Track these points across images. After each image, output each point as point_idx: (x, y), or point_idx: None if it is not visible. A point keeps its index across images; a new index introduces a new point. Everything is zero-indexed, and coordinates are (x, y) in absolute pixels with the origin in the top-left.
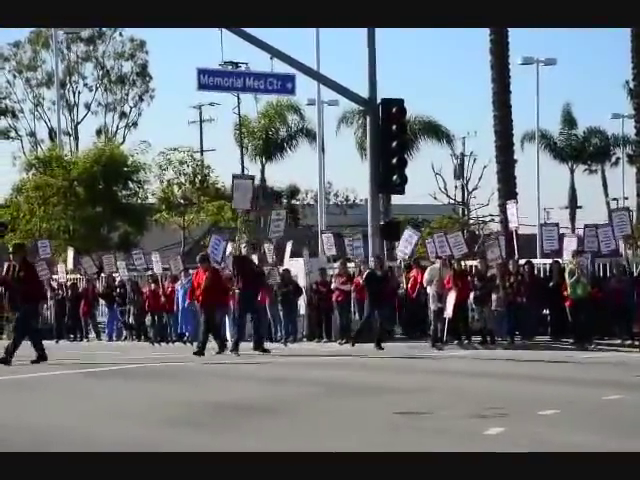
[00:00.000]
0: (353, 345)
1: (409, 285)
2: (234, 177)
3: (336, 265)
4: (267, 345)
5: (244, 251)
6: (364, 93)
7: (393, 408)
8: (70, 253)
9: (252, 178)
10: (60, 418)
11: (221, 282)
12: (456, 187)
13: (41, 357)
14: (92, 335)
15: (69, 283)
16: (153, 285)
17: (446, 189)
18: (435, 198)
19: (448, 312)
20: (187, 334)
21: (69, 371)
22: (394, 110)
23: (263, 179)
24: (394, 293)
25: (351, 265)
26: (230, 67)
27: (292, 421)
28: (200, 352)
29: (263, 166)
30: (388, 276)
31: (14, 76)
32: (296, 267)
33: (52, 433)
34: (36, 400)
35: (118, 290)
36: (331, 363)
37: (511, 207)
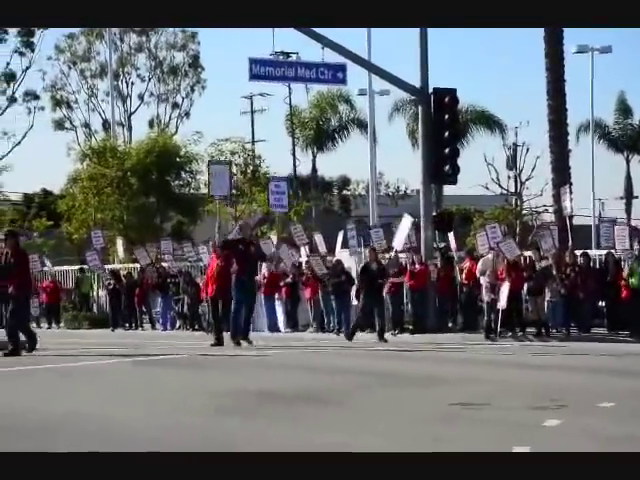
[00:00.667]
0: (350, 340)
1: (463, 276)
2: (210, 163)
3: (387, 256)
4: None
5: (240, 234)
6: (416, 82)
7: (448, 399)
8: (119, 242)
9: (228, 163)
10: (108, 407)
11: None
12: (509, 177)
13: (14, 351)
14: (147, 324)
15: (124, 272)
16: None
17: (498, 179)
18: (487, 189)
19: (502, 303)
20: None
21: (121, 360)
22: (446, 100)
23: (314, 169)
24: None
25: (403, 256)
26: (281, 57)
27: (345, 411)
28: (217, 343)
29: (314, 156)
30: (383, 269)
31: (69, 67)
32: (347, 257)
33: (101, 421)
34: (86, 389)
35: (172, 280)
36: (383, 354)
37: (564, 192)
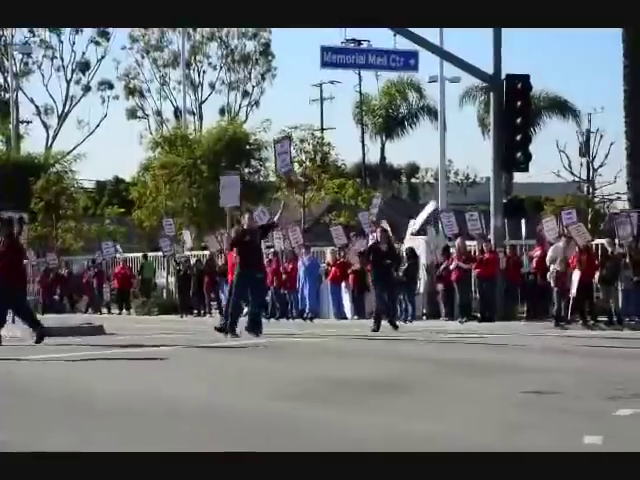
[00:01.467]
0: (377, 331)
1: (533, 264)
2: (219, 176)
3: (456, 243)
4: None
5: (247, 224)
6: (488, 69)
7: (519, 387)
8: (186, 233)
9: (239, 174)
10: (185, 389)
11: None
12: (581, 164)
13: (41, 336)
14: (216, 311)
15: (193, 260)
16: (274, 262)
17: (570, 166)
18: (559, 175)
19: (572, 291)
20: (307, 311)
21: (190, 346)
22: (519, 86)
23: (383, 157)
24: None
25: (472, 243)
26: (352, 44)
27: (422, 398)
28: (223, 329)
29: (383, 144)
30: (394, 251)
31: (142, 57)
32: (416, 245)
33: (180, 403)
34: (159, 373)
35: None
36: (451, 342)
37: None
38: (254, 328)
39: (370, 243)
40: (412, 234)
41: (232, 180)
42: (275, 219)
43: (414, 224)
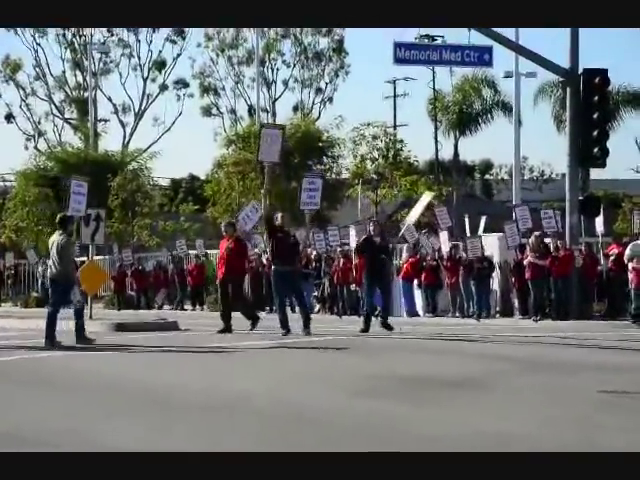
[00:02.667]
0: (367, 330)
1: (610, 262)
2: (262, 126)
3: (530, 239)
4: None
5: (280, 222)
6: (564, 63)
7: (599, 386)
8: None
9: (282, 128)
10: (249, 383)
11: (245, 255)
12: None
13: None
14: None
15: (266, 256)
16: (343, 259)
17: None
18: (637, 172)
19: None
20: (378, 307)
21: (258, 342)
22: (597, 80)
23: (456, 153)
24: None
25: (547, 240)
26: (426, 40)
27: (495, 397)
28: (224, 330)
29: (456, 140)
30: (387, 244)
31: (217, 55)
32: (490, 242)
33: (253, 400)
34: (229, 367)
35: (314, 264)
36: (526, 340)
37: None
38: (306, 325)
39: (363, 237)
40: (407, 226)
41: (274, 134)
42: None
43: (410, 217)
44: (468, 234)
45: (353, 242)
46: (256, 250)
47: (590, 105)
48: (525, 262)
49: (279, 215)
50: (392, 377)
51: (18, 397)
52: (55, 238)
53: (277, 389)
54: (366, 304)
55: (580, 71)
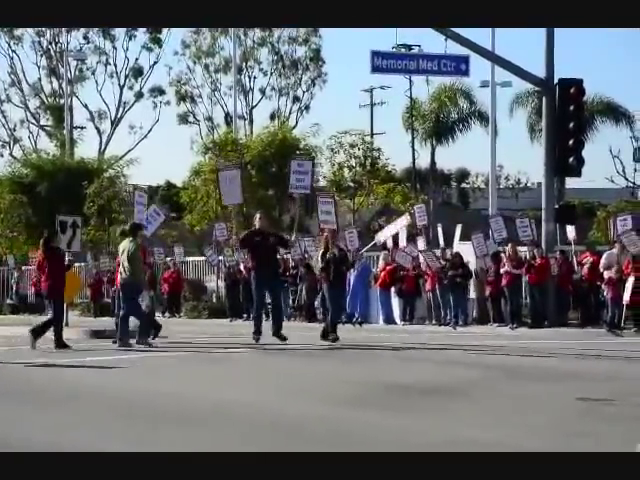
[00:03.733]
0: (330, 340)
1: (584, 270)
2: (218, 169)
3: (507, 249)
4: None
5: (258, 224)
6: (540, 73)
7: (575, 393)
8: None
9: (239, 167)
10: (238, 392)
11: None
12: (635, 170)
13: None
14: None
15: (244, 264)
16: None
17: (624, 172)
18: (612, 181)
19: (626, 298)
20: (357, 316)
21: (247, 349)
22: (572, 90)
23: (433, 162)
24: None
25: (522, 249)
26: (403, 49)
27: (472, 404)
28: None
29: (433, 149)
30: (345, 255)
31: (194, 62)
32: (466, 250)
33: (233, 406)
34: (219, 375)
35: (290, 272)
36: (503, 347)
37: None
38: (278, 332)
39: (320, 254)
40: (377, 244)
41: (232, 174)
42: (292, 238)
43: (381, 235)
44: (442, 243)
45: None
46: (169, 259)
47: (566, 115)
48: (502, 271)
49: (257, 216)
50: (372, 384)
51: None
52: (125, 245)
53: (257, 397)
54: (333, 315)
55: (556, 81)
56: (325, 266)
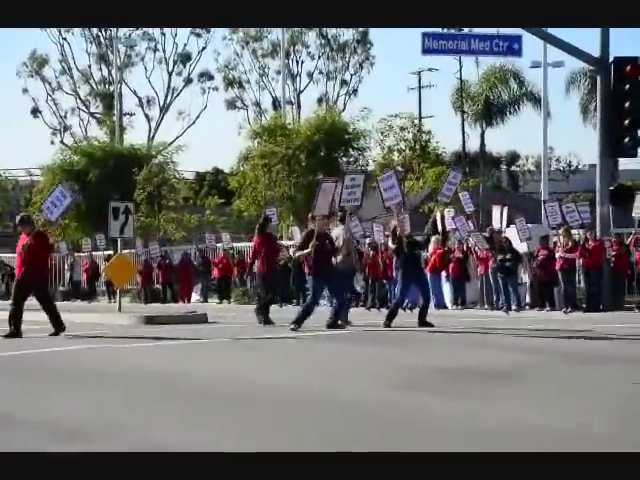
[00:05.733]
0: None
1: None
2: (322, 182)
3: (560, 232)
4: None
5: (317, 227)
6: (594, 52)
7: (633, 377)
8: (296, 230)
9: (336, 181)
10: (296, 377)
11: (48, 251)
12: None
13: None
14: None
15: (292, 251)
16: (372, 252)
17: None
18: None
19: None
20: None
21: (298, 334)
22: (628, 69)
23: (483, 145)
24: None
25: (575, 232)
26: (454, 30)
27: (530, 388)
28: (12, 334)
29: (483, 132)
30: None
31: (242, 47)
32: (512, 235)
33: (291, 390)
34: (273, 359)
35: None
36: (558, 331)
37: None
38: (334, 324)
39: (390, 239)
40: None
41: (329, 187)
42: (340, 242)
43: (446, 197)
44: (497, 226)
45: (377, 236)
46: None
47: (621, 94)
48: (556, 256)
49: (317, 219)
50: (429, 369)
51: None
52: (338, 232)
53: (312, 382)
54: (340, 301)
55: (611, 59)
56: (396, 250)
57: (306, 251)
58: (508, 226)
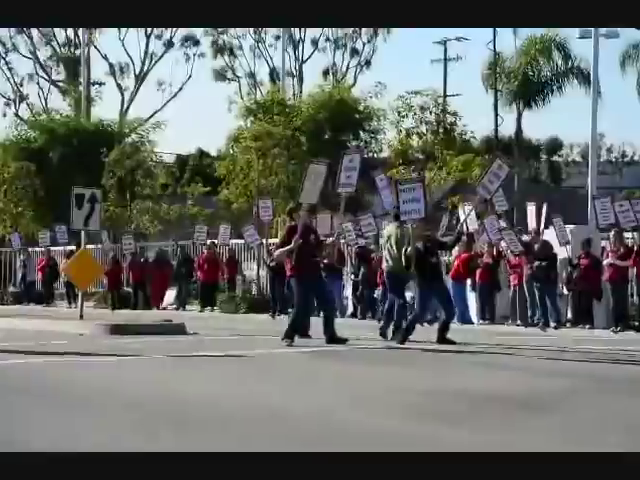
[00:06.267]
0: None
1: None
2: (310, 162)
3: (611, 235)
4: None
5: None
6: None
7: None
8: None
9: (328, 163)
10: (289, 399)
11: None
12: None
13: None
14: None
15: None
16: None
17: None
18: None
19: None
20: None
21: (296, 350)
22: None
23: (519, 130)
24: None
25: (629, 236)
26: None
27: (559, 420)
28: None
29: (519, 114)
30: (435, 248)
31: None
32: (550, 237)
33: (283, 413)
34: (264, 380)
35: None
36: (603, 353)
37: None
38: (331, 339)
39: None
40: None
41: (320, 170)
42: (334, 239)
43: (487, 191)
44: (532, 227)
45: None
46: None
47: None
48: (605, 263)
49: (302, 214)
50: (445, 394)
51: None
52: (391, 230)
53: (311, 405)
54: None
55: None
56: (407, 261)
57: (287, 248)
58: (547, 227)
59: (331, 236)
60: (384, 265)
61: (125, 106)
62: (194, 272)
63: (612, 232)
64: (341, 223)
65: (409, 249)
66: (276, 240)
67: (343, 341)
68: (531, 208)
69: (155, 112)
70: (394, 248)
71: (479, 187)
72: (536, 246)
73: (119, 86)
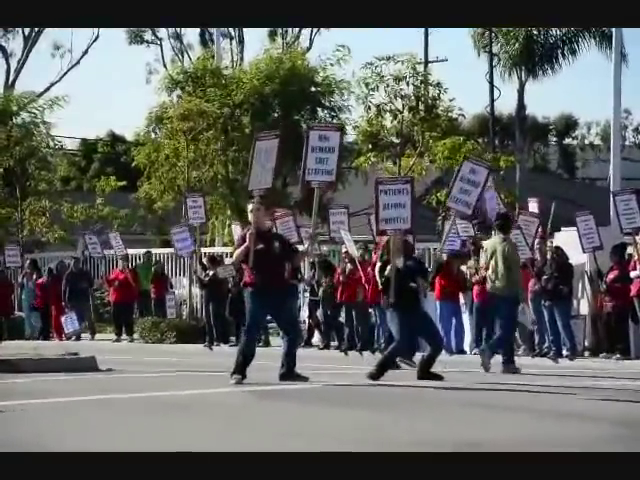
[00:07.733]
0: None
1: None
2: (256, 139)
3: (637, 240)
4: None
5: (254, 218)
6: None
7: None
8: (236, 228)
9: (277, 135)
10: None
11: None
12: None
13: None
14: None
15: (228, 261)
16: (349, 266)
17: None
18: None
19: None
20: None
21: (241, 389)
22: None
23: (521, 105)
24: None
25: None
26: None
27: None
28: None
29: (522, 85)
30: (419, 269)
31: None
32: (566, 242)
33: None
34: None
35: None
36: (633, 392)
37: None
38: (289, 374)
39: (378, 266)
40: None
41: (269, 146)
42: (306, 247)
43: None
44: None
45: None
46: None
47: None
48: (632, 275)
49: (251, 207)
50: (437, 444)
51: None
52: (497, 244)
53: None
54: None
55: None
56: (385, 283)
57: (238, 251)
58: (558, 230)
59: (301, 243)
60: (488, 286)
61: (12, 77)
62: (92, 291)
63: (638, 237)
64: (317, 226)
65: (388, 269)
66: (211, 250)
67: (304, 379)
68: (532, 205)
69: (51, 85)
70: (502, 267)
71: (450, 201)
72: (549, 254)
73: (3, 50)
